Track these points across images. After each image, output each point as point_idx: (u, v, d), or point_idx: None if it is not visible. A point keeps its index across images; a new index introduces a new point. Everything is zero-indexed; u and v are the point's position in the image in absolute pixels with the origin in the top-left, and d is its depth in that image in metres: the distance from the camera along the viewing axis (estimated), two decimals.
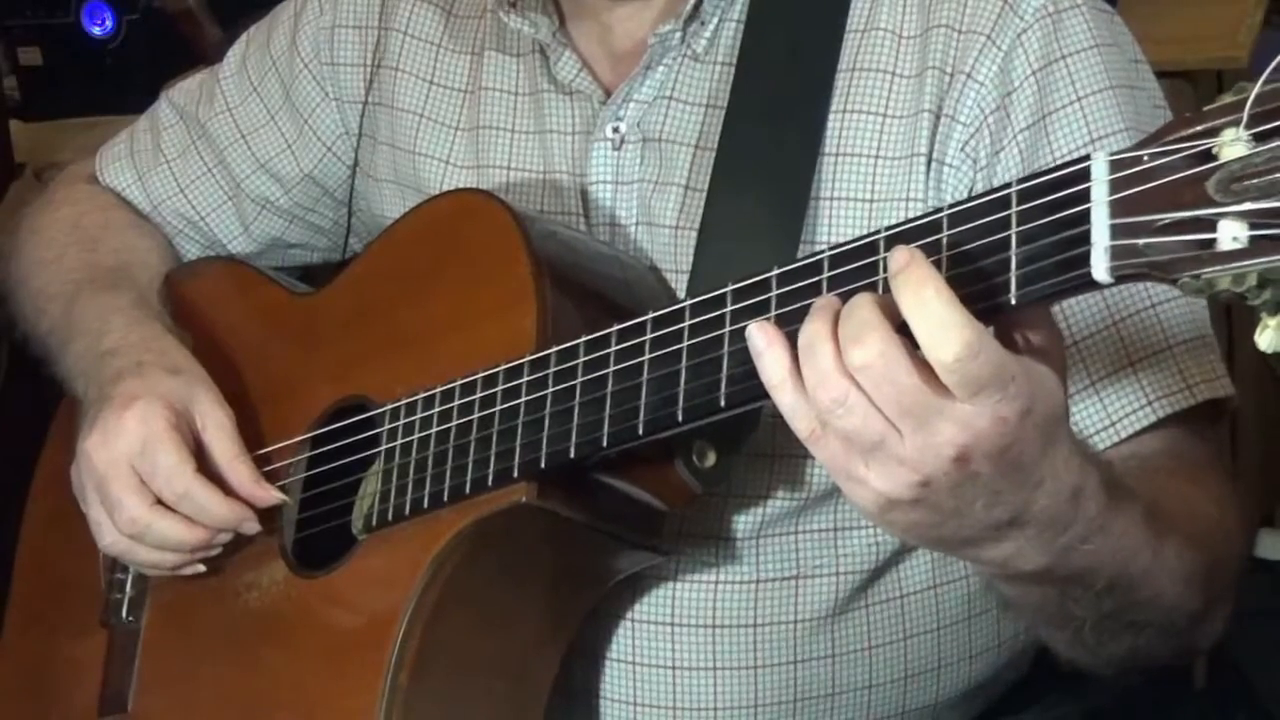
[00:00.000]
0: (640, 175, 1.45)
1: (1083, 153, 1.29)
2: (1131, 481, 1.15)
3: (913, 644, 1.45)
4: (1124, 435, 1.31)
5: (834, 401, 1.00)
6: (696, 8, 1.43)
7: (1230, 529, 1.28)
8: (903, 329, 0.98)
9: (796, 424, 1.03)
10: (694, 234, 1.40)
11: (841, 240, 1.09)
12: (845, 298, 1.01)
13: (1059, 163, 1.01)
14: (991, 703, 1.54)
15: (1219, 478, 1.32)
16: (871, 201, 1.37)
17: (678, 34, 1.43)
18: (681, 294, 1.38)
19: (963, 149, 1.36)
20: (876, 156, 1.37)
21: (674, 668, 1.43)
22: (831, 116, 1.38)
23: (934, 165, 1.36)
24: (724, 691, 1.43)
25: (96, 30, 3.19)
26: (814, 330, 1.01)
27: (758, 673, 1.43)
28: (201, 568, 1.47)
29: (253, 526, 1.44)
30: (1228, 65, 2.89)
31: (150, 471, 1.42)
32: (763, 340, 1.04)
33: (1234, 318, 2.22)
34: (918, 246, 1.00)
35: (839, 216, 1.38)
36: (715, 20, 1.43)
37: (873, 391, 0.99)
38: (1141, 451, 1.30)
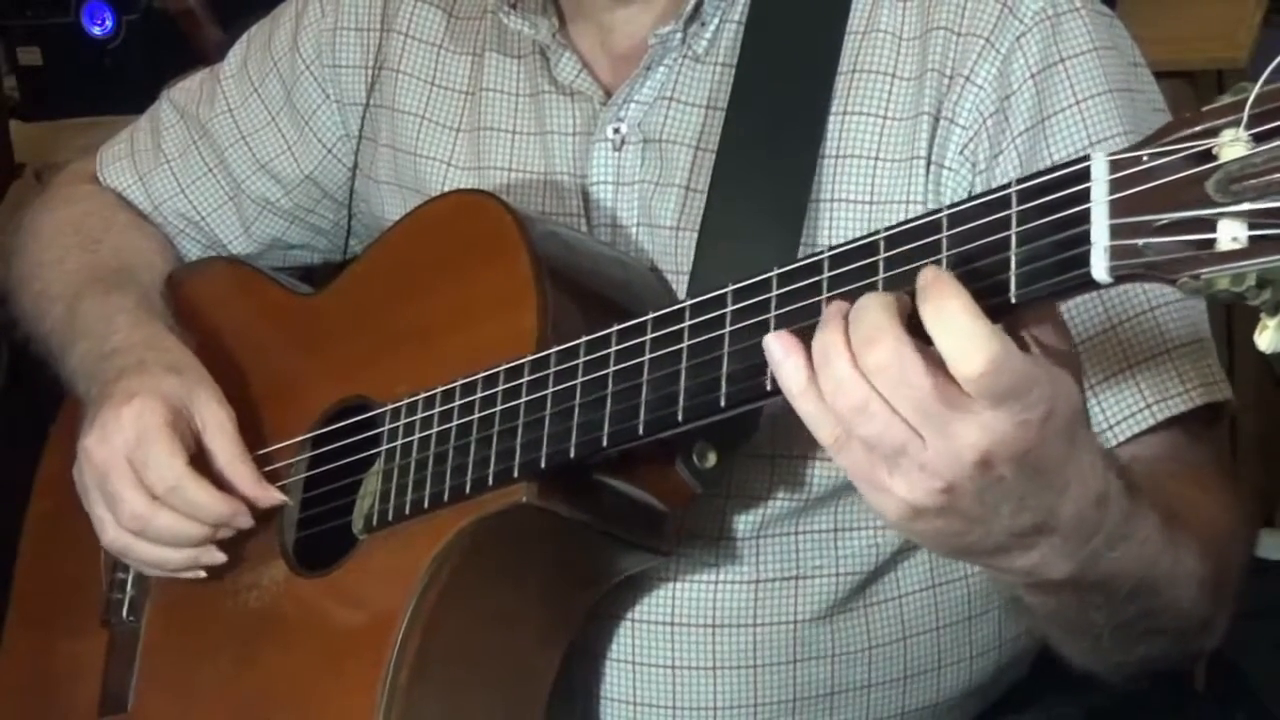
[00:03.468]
0: (641, 176, 1.45)
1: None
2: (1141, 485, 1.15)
3: (912, 644, 1.45)
4: (1122, 438, 1.31)
5: (853, 409, 0.99)
6: (697, 9, 1.43)
7: (1235, 531, 1.29)
8: (913, 327, 0.98)
9: (820, 432, 1.02)
10: (694, 235, 1.40)
11: (841, 242, 1.09)
12: (851, 299, 1.01)
13: (1058, 164, 1.01)
14: (992, 703, 1.54)
15: (1221, 480, 1.32)
16: (871, 203, 1.37)
17: (678, 35, 1.43)
18: (681, 295, 1.38)
19: (961, 152, 1.36)
20: (876, 159, 1.37)
21: (674, 667, 1.43)
22: (831, 118, 1.38)
23: (933, 168, 1.36)
24: (723, 691, 1.43)
25: (96, 30, 3.19)
26: (827, 339, 1.00)
27: (757, 672, 1.43)
28: (202, 574, 1.47)
29: (245, 521, 1.43)
30: (1228, 65, 2.89)
31: (142, 465, 1.42)
32: (780, 350, 1.03)
33: (1234, 319, 2.22)
34: (917, 245, 1.00)
35: (839, 218, 1.38)
36: (716, 21, 1.43)
37: (890, 395, 0.98)
38: (1142, 455, 1.30)
